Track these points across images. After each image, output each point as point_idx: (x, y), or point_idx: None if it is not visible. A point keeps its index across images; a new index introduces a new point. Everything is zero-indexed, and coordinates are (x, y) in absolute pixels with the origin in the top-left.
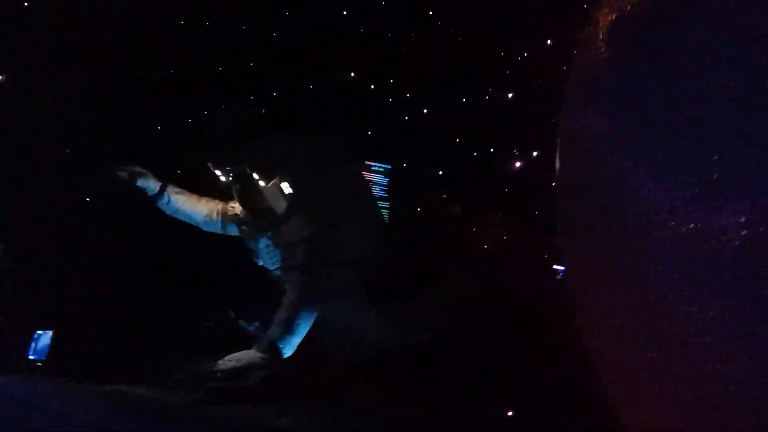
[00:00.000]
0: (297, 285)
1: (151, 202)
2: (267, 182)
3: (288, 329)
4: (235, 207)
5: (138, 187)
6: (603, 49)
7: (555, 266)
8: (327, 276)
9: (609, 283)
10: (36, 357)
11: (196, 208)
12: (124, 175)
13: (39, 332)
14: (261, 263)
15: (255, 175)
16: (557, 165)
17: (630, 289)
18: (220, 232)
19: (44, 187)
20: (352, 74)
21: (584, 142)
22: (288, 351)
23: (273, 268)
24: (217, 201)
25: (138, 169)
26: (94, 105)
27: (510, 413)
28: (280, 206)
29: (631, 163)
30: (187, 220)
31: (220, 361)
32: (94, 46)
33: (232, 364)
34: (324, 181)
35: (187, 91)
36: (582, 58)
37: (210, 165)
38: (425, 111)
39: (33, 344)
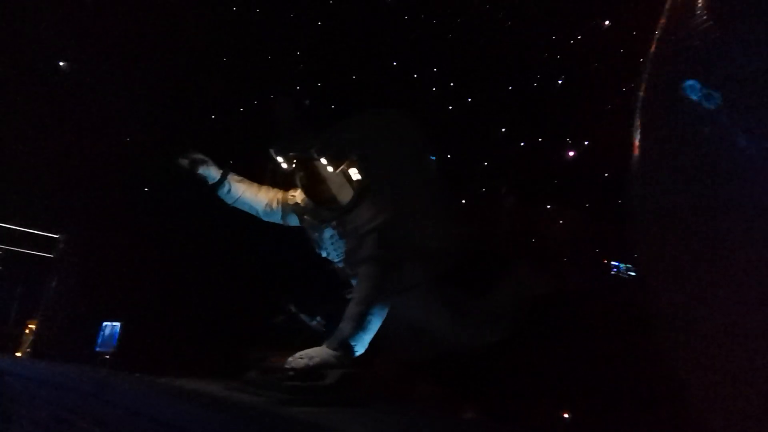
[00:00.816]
0: (368, 278)
1: (212, 191)
2: (332, 168)
3: (360, 325)
4: (296, 195)
5: (199, 175)
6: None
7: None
8: (399, 269)
9: (701, 281)
10: (103, 349)
11: (256, 197)
12: (185, 162)
13: (106, 324)
14: (324, 254)
15: (320, 161)
16: (636, 154)
17: (729, 288)
18: (280, 222)
19: (109, 177)
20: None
21: (675, 127)
22: (360, 349)
23: (338, 259)
24: (276, 190)
25: (199, 156)
26: (154, 92)
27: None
28: (347, 194)
29: (739, 146)
30: (247, 210)
31: (291, 359)
32: (151, 32)
33: (304, 362)
34: (395, 166)
35: (247, 75)
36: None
37: (272, 151)
38: (481, 98)
39: (100, 336)
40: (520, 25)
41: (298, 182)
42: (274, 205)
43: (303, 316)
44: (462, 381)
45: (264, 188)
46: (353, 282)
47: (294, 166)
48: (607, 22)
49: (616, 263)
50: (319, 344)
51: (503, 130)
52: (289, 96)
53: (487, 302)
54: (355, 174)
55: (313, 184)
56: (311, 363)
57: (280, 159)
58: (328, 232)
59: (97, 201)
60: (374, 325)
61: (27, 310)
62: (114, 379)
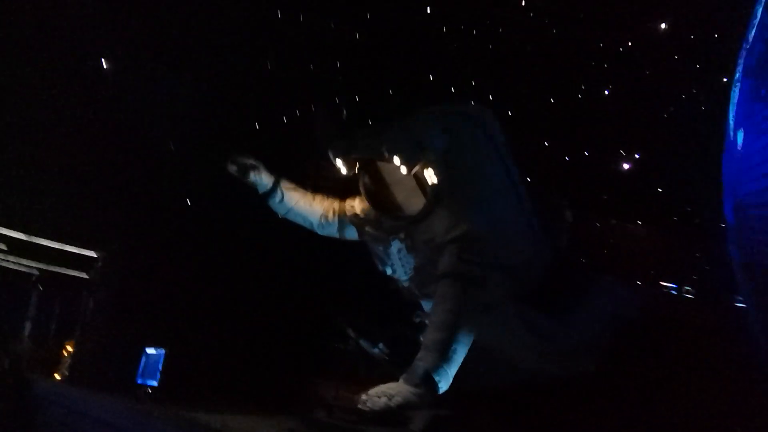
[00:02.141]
0: (449, 298)
1: (263, 200)
2: (404, 171)
3: (443, 356)
4: (355, 205)
5: (249, 182)
6: None
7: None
8: (482, 287)
9: None
10: (145, 380)
11: (311, 208)
12: (234, 168)
13: (148, 351)
14: (389, 272)
15: (388, 163)
16: None
17: None
18: (336, 235)
19: (152, 190)
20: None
21: None
22: (444, 385)
23: (405, 277)
24: (333, 199)
25: (250, 161)
26: (199, 98)
27: None
28: (418, 201)
29: None
30: (300, 222)
31: (365, 396)
32: (196, 33)
33: (383, 401)
34: (476, 169)
35: (293, 82)
36: None
37: (331, 153)
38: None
39: (142, 364)
40: (566, 32)
41: (360, 188)
42: (330, 216)
43: (363, 343)
44: (549, 418)
45: (319, 197)
46: (423, 303)
47: (356, 170)
48: (662, 26)
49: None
50: (384, 376)
51: (546, 143)
52: (328, 108)
53: (575, 327)
54: (430, 177)
55: (379, 190)
56: (392, 403)
57: (339, 162)
58: (395, 246)
59: (139, 216)
60: (459, 355)
61: (65, 330)
62: (156, 418)
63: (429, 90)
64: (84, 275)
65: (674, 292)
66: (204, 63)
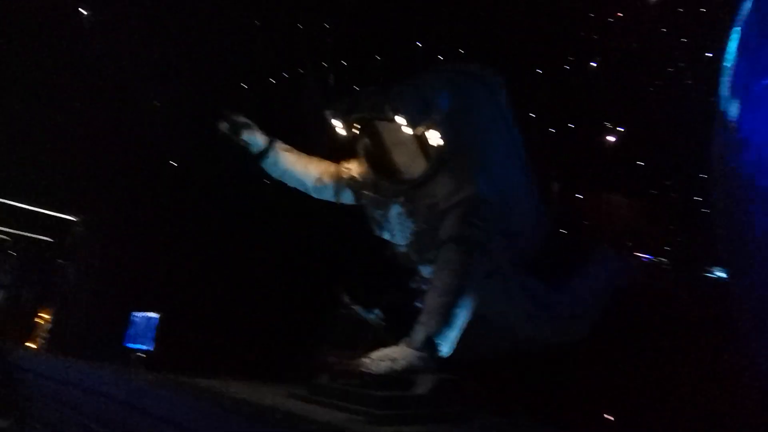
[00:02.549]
0: (452, 263)
1: (256, 160)
2: (409, 132)
3: (445, 320)
4: (352, 168)
5: (242, 141)
6: None
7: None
8: (486, 252)
9: None
10: (136, 344)
11: (306, 170)
12: (226, 126)
13: (138, 315)
14: (386, 236)
15: (390, 125)
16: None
17: None
18: (332, 199)
19: (137, 149)
20: None
21: None
22: (446, 348)
23: (404, 242)
24: (329, 162)
25: (242, 119)
26: (191, 47)
27: None
28: (419, 164)
29: None
30: (294, 185)
31: (367, 360)
32: None
33: (386, 365)
34: (481, 131)
35: (298, 24)
36: None
37: (328, 114)
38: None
39: (132, 329)
40: (555, 1)
41: (359, 151)
42: (326, 179)
43: (358, 309)
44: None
45: (315, 160)
46: (421, 269)
47: (355, 131)
48: None
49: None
50: (381, 342)
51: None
52: (316, 71)
53: (570, 295)
54: (434, 138)
55: (379, 152)
56: (395, 366)
57: (338, 123)
58: (394, 210)
59: (122, 178)
60: (461, 319)
61: (38, 297)
62: (151, 384)
63: (414, 57)
64: (60, 240)
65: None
66: (191, 19)
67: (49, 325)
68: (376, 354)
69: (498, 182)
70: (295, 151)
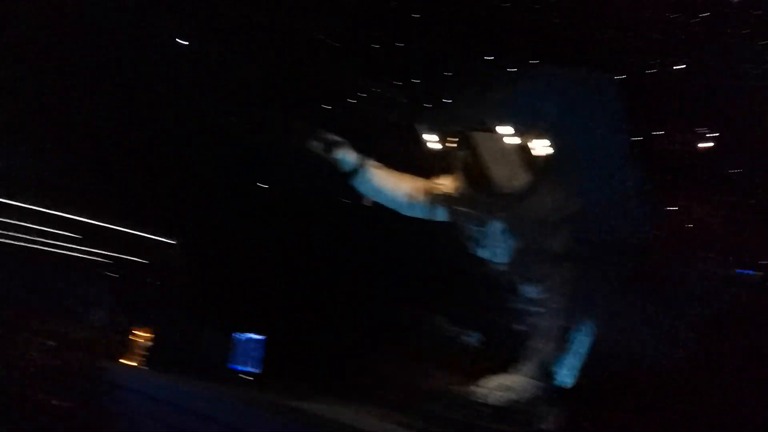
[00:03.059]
0: (565, 282)
1: (347, 179)
2: (503, 144)
3: (563, 345)
4: (445, 184)
5: (334, 160)
6: None
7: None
8: (601, 268)
9: None
10: (241, 366)
11: (398, 187)
12: (318, 146)
13: (243, 336)
14: (486, 254)
15: (490, 134)
16: None
17: None
18: (424, 216)
19: (226, 171)
20: None
21: None
22: (568, 378)
23: (505, 260)
24: (420, 178)
25: (334, 137)
26: (278, 69)
27: None
28: (522, 176)
29: None
30: (386, 203)
31: (484, 390)
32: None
33: (507, 396)
34: (591, 138)
35: (366, 48)
36: None
37: (418, 128)
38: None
39: (238, 350)
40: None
41: (454, 165)
42: (419, 195)
43: (456, 331)
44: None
45: (406, 176)
46: (525, 289)
47: (451, 143)
48: None
49: None
50: (483, 367)
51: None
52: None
53: (674, 312)
54: (539, 147)
55: (476, 165)
56: (514, 397)
57: (430, 137)
58: (495, 226)
59: (217, 200)
60: (583, 344)
61: (134, 317)
62: (257, 406)
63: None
64: (157, 261)
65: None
66: (275, 40)
67: (146, 344)
68: (491, 383)
69: (611, 192)
70: (386, 168)
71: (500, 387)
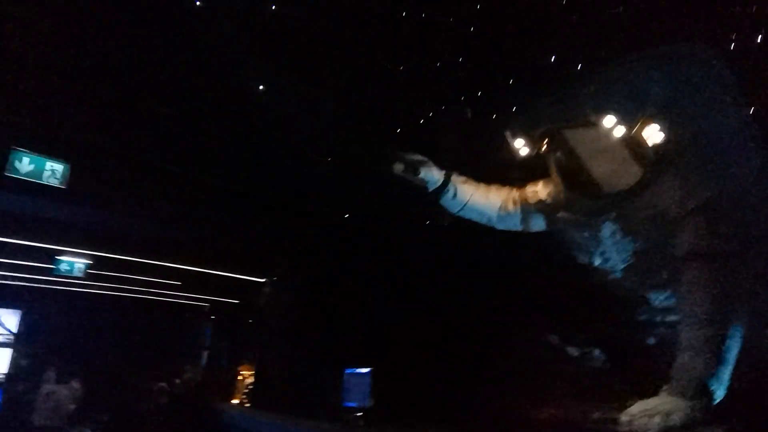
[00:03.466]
0: (704, 284)
1: (434, 197)
2: (605, 139)
3: (716, 356)
4: (538, 190)
5: (418, 180)
6: None
7: None
8: (741, 266)
9: None
10: (353, 402)
11: (487, 200)
12: (400, 167)
13: (352, 371)
14: (597, 262)
15: (581, 133)
16: None
17: None
18: (519, 228)
19: (310, 205)
20: None
21: None
22: (721, 391)
23: (622, 265)
24: (509, 188)
25: (417, 157)
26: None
27: None
28: (631, 170)
29: None
30: (475, 218)
31: (626, 417)
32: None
33: (657, 421)
34: (711, 121)
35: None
36: None
37: (508, 134)
38: None
39: (347, 386)
40: None
41: (551, 167)
42: (511, 206)
43: (572, 350)
44: None
45: (494, 188)
46: (652, 295)
47: (544, 146)
48: None
49: None
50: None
51: None
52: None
53: None
54: (650, 136)
55: (573, 166)
56: (671, 423)
57: (519, 142)
58: (606, 229)
59: (307, 234)
60: (732, 353)
61: (236, 356)
62: None
63: (553, 73)
64: (251, 301)
65: None
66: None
67: (251, 383)
68: (638, 408)
69: (739, 178)
70: (472, 181)
71: (650, 412)
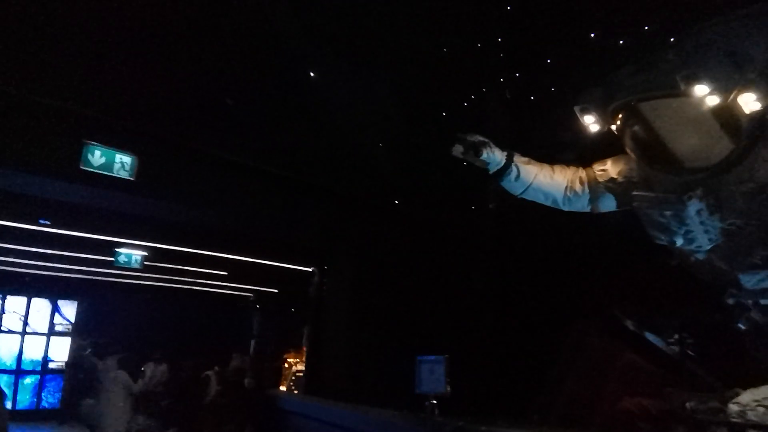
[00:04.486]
0: None
1: (496, 179)
2: (692, 109)
3: None
4: (607, 169)
5: (480, 162)
6: None
7: None
8: None
9: None
10: (428, 389)
11: (552, 181)
12: (461, 149)
13: (425, 358)
14: (680, 243)
15: (661, 106)
16: None
17: None
18: (586, 209)
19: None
20: None
21: None
22: None
23: (709, 245)
24: (576, 168)
25: (479, 138)
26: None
27: None
28: (719, 142)
29: None
30: (540, 200)
31: (736, 407)
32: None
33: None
34: None
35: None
36: None
37: (578, 109)
38: None
39: (420, 373)
40: None
41: (629, 142)
42: (578, 186)
43: (654, 337)
44: None
45: (558, 168)
46: (742, 278)
47: (619, 121)
48: None
49: None
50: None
51: None
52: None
53: None
54: (747, 104)
55: (659, 139)
56: None
57: (589, 118)
58: (692, 207)
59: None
60: None
61: (283, 344)
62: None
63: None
64: (301, 290)
65: None
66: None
67: (298, 371)
68: (749, 397)
69: None
70: (536, 162)
71: (760, 402)
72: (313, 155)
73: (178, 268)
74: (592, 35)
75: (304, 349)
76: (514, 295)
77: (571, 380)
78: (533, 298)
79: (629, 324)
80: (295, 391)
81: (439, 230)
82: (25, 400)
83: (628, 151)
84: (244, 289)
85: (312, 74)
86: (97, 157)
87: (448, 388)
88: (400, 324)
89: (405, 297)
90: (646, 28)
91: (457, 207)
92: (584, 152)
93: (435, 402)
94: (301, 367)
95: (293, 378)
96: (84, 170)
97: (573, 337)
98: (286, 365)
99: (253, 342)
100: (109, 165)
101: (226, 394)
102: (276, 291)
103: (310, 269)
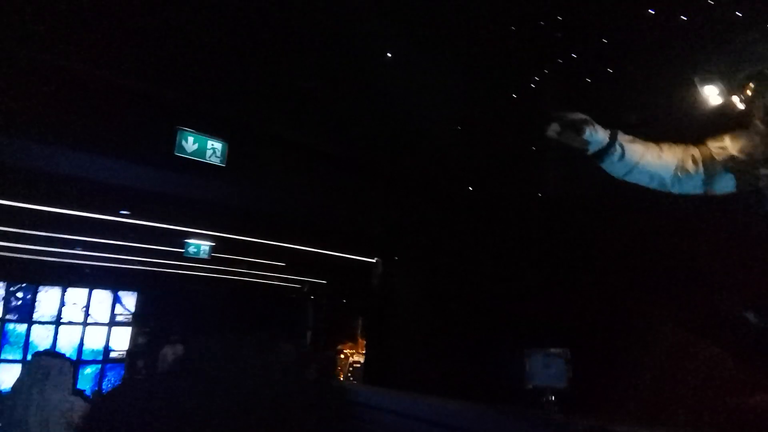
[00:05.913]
0: None
1: (597, 160)
2: None
3: None
4: (726, 146)
5: (581, 141)
6: None
7: None
8: None
9: None
10: (542, 383)
11: (660, 160)
12: (557, 129)
13: (536, 351)
14: None
15: None
16: None
17: None
18: (699, 191)
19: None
20: None
21: None
22: None
23: None
24: (687, 145)
25: (579, 116)
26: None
27: None
28: None
29: None
30: (645, 182)
31: None
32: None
33: None
34: None
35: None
36: None
37: (697, 80)
38: None
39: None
40: None
41: (757, 116)
42: (691, 165)
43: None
44: None
45: (666, 146)
46: None
47: (748, 91)
48: None
49: None
50: None
51: None
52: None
53: None
54: None
55: None
56: None
57: (711, 89)
58: None
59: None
60: None
61: (338, 335)
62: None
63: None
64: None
65: None
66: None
67: (357, 362)
68: None
69: None
70: (641, 140)
71: None
72: (389, 144)
73: (239, 259)
74: None
75: (361, 340)
76: (602, 285)
77: (702, 378)
78: (623, 290)
79: (750, 315)
80: (354, 382)
81: (514, 218)
82: (86, 388)
83: (758, 124)
84: (296, 280)
85: (389, 55)
86: (190, 143)
87: (566, 383)
88: (476, 315)
89: (479, 288)
90: None
91: (530, 194)
92: (681, 128)
93: (553, 398)
94: (357, 358)
95: (350, 369)
96: (178, 156)
97: (702, 335)
98: (342, 356)
99: (309, 333)
100: (201, 151)
101: (294, 383)
102: (325, 282)
103: (373, 260)
